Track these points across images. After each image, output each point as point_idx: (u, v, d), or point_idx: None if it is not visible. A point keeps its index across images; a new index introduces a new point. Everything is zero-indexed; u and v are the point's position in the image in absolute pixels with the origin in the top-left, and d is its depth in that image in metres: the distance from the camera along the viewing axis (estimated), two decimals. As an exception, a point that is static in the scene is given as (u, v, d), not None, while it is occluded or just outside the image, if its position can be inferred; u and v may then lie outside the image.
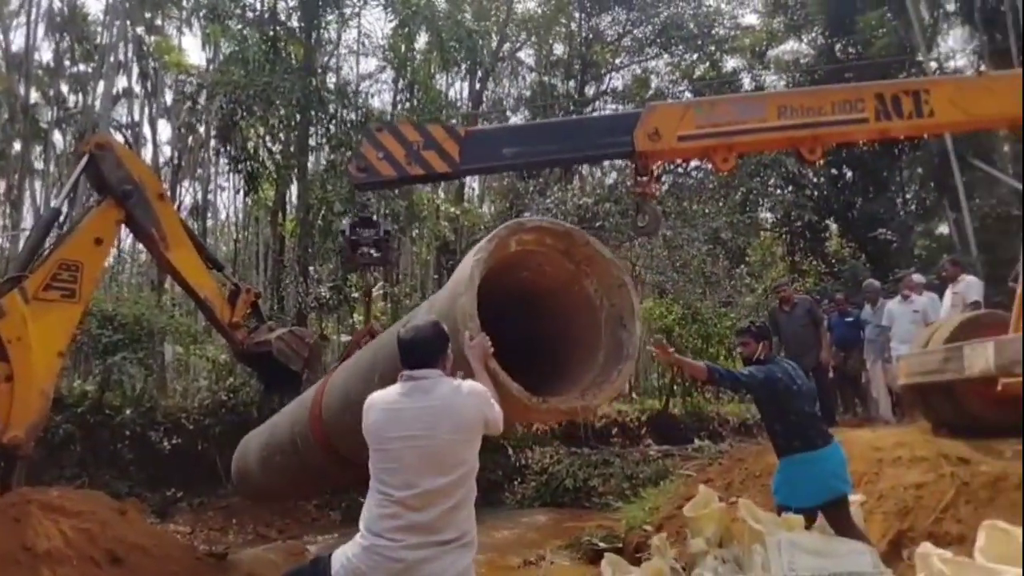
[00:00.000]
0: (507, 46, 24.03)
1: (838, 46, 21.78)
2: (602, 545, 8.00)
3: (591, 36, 24.06)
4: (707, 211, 17.70)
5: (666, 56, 24.42)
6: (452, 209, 18.00)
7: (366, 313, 6.49)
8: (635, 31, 23.70)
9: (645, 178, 5.86)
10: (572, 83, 25.22)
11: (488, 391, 2.90)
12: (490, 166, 6.63)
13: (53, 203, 7.49)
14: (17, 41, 26.97)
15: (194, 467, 12.63)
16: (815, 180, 19.13)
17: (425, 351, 2.79)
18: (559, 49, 25.73)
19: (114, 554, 5.83)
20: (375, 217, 6.28)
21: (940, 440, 5.96)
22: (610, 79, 25.80)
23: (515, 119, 27.58)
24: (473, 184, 25.14)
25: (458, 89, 27.11)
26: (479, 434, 2.80)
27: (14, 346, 6.43)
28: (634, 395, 31.41)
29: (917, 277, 9.33)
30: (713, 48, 23.86)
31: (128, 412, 12.40)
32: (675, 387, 27.50)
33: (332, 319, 19.60)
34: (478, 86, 23.44)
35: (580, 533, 9.36)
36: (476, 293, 3.62)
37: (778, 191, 19.66)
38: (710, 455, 15.04)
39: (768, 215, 22.35)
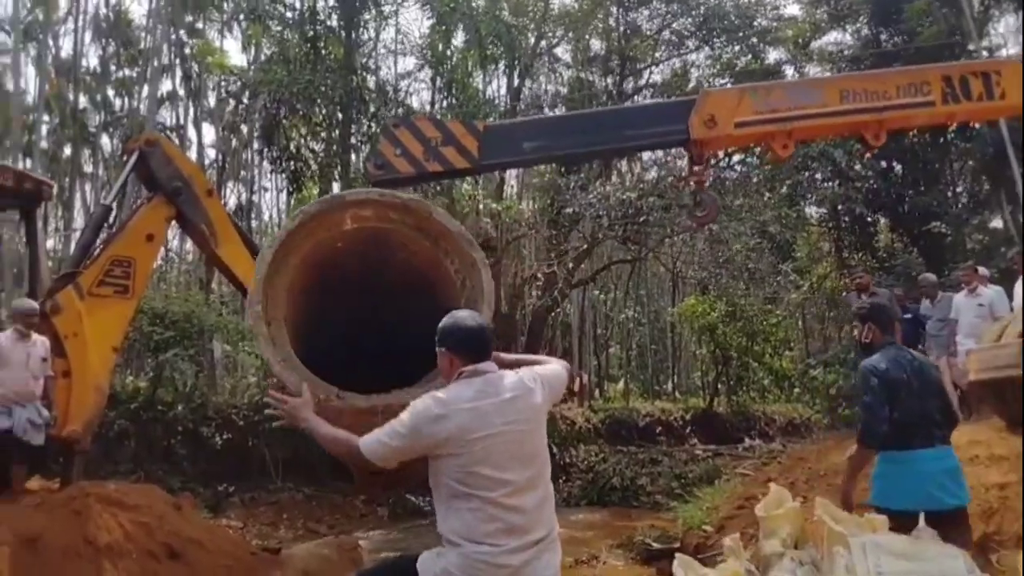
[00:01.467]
0: (543, 43, 23.85)
1: (883, 36, 21.16)
2: (656, 545, 7.84)
3: (629, 30, 23.76)
4: (752, 205, 17.31)
5: (706, 49, 24.00)
6: (493, 205, 17.91)
7: None
8: (674, 24, 23.32)
9: (701, 166, 5.69)
10: (610, 79, 24.94)
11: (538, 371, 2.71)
12: (510, 161, 6.51)
13: (104, 201, 7.56)
14: (66, 47, 27.58)
15: (245, 462, 12.77)
16: (864, 173, 18.58)
17: (488, 341, 2.62)
18: (596, 44, 25.49)
19: (171, 548, 5.86)
20: None
21: (1017, 438, 5.67)
22: (650, 73, 25.47)
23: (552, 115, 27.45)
24: (512, 181, 25.03)
25: (496, 86, 27.06)
26: (545, 420, 2.68)
27: (71, 342, 6.51)
28: (677, 394, 31.08)
29: (982, 270, 8.95)
30: (755, 40, 23.38)
31: (180, 408, 12.58)
32: (719, 386, 27.13)
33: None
34: (516, 83, 23.30)
35: (632, 532, 9.20)
36: (266, 270, 3.34)
37: (826, 184, 19.13)
38: (762, 454, 14.77)
39: (815, 209, 21.83)
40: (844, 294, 16.05)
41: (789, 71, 24.20)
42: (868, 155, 14.64)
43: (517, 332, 21.90)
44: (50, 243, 23.38)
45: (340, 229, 3.50)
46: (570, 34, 23.77)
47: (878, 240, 21.18)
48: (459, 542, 2.45)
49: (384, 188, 6.04)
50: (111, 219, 7.99)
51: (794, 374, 28.52)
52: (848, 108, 5.71)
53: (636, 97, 24.68)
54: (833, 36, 24.16)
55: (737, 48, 23.26)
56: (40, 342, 6.11)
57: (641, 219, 16.20)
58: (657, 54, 24.59)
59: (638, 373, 33.96)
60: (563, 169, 17.79)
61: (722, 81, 23.71)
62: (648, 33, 23.74)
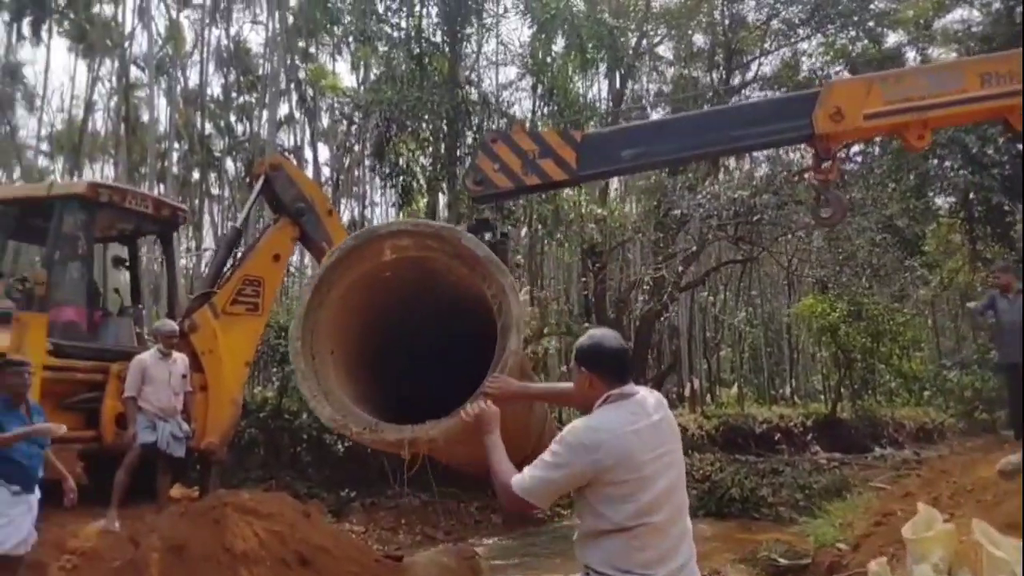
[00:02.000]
0: (645, 42, 23.50)
1: (1019, 10, 19.49)
2: (784, 561, 7.48)
3: (734, 23, 23.02)
4: (876, 197, 16.33)
5: (818, 36, 22.90)
6: (598, 210, 17.77)
7: None
8: (784, 12, 22.38)
9: (827, 163, 5.37)
10: (715, 74, 24.27)
11: None
12: (609, 170, 6.33)
13: (233, 224, 8.00)
14: (192, 78, 29.68)
15: (366, 468, 13.16)
16: (999, 159, 17.13)
17: (629, 362, 2.55)
18: (700, 40, 24.88)
19: (302, 555, 6.09)
20: (493, 220, 6.13)
21: None
22: (758, 66, 24.58)
23: (655, 115, 26.98)
24: (616, 184, 24.78)
25: (597, 90, 26.89)
26: None
27: (207, 358, 6.90)
28: (796, 398, 29.78)
29: None
30: (872, 23, 22.10)
31: (304, 416, 13.12)
32: (842, 389, 25.79)
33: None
34: (618, 85, 23.07)
35: (755, 547, 8.84)
36: (305, 308, 3.40)
37: (957, 172, 17.78)
38: (894, 464, 13.89)
39: (945, 200, 20.36)
40: (980, 289, 14.86)
41: (910, 54, 22.77)
42: (1004, 139, 13.50)
43: (624, 338, 21.62)
44: (182, 262, 25.04)
45: (381, 260, 3.52)
46: (673, 31, 23.29)
47: (1016, 231, 19.51)
48: (611, 573, 2.33)
49: (484, 203, 6.09)
50: (241, 241, 8.43)
51: (925, 376, 26.73)
52: (991, 93, 5.25)
53: (744, 91, 23.92)
54: (959, 13, 22.49)
55: (852, 33, 22.05)
56: (180, 360, 6.52)
57: (755, 218, 15.61)
58: (765, 45, 23.70)
59: (752, 377, 32.81)
60: (669, 170, 17.43)
61: (836, 69, 22.58)
62: (755, 24, 22.91)
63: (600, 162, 5.62)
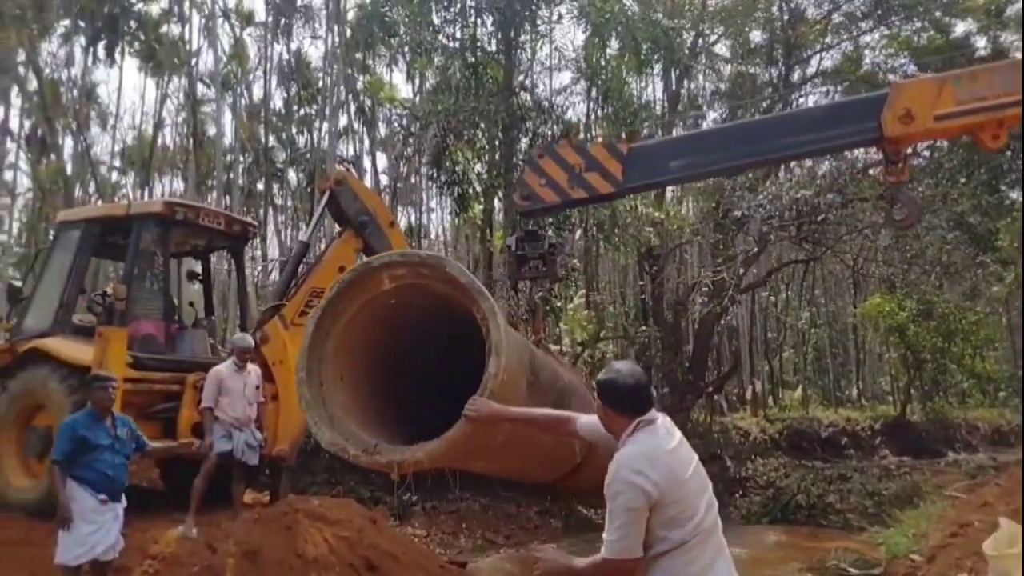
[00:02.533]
0: (701, 40, 23.18)
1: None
2: (854, 571, 7.33)
3: (793, 17, 22.50)
4: (946, 193, 15.75)
5: (882, 28, 22.19)
6: (655, 213, 17.61)
7: (534, 328, 6.48)
8: (844, 6, 21.77)
9: (898, 164, 5.24)
10: (774, 70, 23.77)
11: None
12: (656, 182, 6.30)
13: (301, 237, 8.26)
14: (255, 93, 30.64)
15: (427, 473, 13.35)
16: (1080, 149, 16.34)
17: (649, 393, 2.67)
18: (757, 36, 24.40)
19: (369, 561, 6.25)
20: (540, 231, 6.16)
21: None
22: (819, 60, 23.97)
23: (712, 114, 26.58)
24: (673, 186, 24.50)
25: (652, 91, 26.65)
26: None
27: (278, 368, 7.13)
28: (863, 401, 28.89)
29: None
30: (939, 13, 21.31)
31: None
32: (912, 391, 24.90)
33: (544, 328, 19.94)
34: (674, 85, 22.81)
35: (823, 555, 8.66)
36: (310, 340, 3.50)
37: (1035, 164, 17.03)
38: (968, 470, 13.38)
39: (1019, 194, 19.49)
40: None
41: (980, 43, 21.87)
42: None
43: (683, 341, 21.35)
44: (248, 272, 25.86)
45: (381, 289, 3.62)
46: (730, 28, 22.91)
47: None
48: None
49: (533, 217, 6.13)
50: (309, 253, 8.68)
51: (1000, 376, 25.66)
52: (1072, 89, 5.04)
53: (804, 87, 23.36)
54: (1034, -2, 21.50)
55: (918, 24, 21.31)
56: (254, 372, 6.77)
57: (819, 218, 15.24)
58: (826, 39, 23.09)
59: (816, 379, 31.98)
60: (727, 171, 17.16)
61: (901, 62, 21.87)
62: (815, 18, 22.36)
63: (647, 174, 5.62)
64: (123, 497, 4.89)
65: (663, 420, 2.59)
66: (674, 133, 22.37)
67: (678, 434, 2.57)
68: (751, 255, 19.11)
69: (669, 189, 23.14)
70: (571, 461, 4.50)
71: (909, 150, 5.36)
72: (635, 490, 2.36)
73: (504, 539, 11.94)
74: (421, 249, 25.57)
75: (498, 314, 3.17)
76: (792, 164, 23.11)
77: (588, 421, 2.89)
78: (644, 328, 19.02)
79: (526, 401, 3.61)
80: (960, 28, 22.74)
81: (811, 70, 23.80)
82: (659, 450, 2.45)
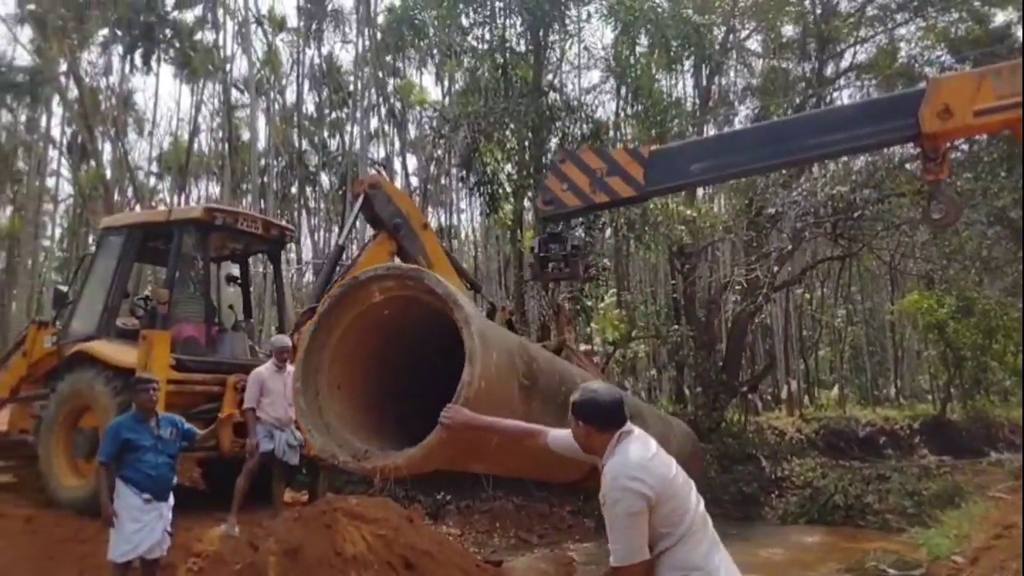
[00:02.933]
0: (732, 36, 22.97)
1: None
2: (894, 572, 7.23)
3: (826, 11, 22.18)
4: (985, 188, 15.40)
5: (918, 20, 21.75)
6: (687, 212, 17.49)
7: (558, 329, 6.50)
8: (879, -2, 21.41)
9: (936, 162, 5.17)
10: (807, 64, 23.45)
11: None
12: (678, 185, 6.33)
13: (337, 240, 8.37)
14: (288, 98, 31.10)
15: (459, 472, 13.46)
16: None
17: (624, 406, 2.82)
18: (790, 30, 24.09)
19: (407, 560, 6.32)
20: (566, 231, 6.20)
21: None
22: (853, 54, 23.58)
23: (744, 110, 26.32)
24: (704, 183, 24.31)
25: (683, 87, 26.49)
26: None
27: (315, 370, 7.23)
28: (901, 399, 28.36)
29: None
30: (978, 2, 20.82)
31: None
32: (952, 389, 24.39)
33: (571, 329, 19.98)
34: (705, 81, 22.64)
35: (861, 556, 8.56)
36: (305, 353, 3.63)
37: (1081, 156, 16.55)
38: (1011, 470, 13.10)
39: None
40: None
41: (1021, 34, 21.31)
42: None
43: (716, 340, 21.18)
44: (286, 273, 26.26)
45: (372, 302, 3.72)
46: (761, 23, 22.66)
47: None
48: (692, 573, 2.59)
49: (555, 221, 6.16)
50: (344, 256, 8.80)
51: (1045, 374, 24.98)
52: (1116, 81, 4.93)
53: (838, 81, 23.02)
54: (1078, -15, 20.91)
55: (956, 15, 20.84)
56: (292, 372, 6.87)
57: (856, 214, 15.01)
58: (860, 32, 22.72)
59: (853, 377, 31.47)
60: (760, 168, 16.98)
61: (937, 54, 21.42)
62: (849, 11, 22.01)
63: (668, 177, 5.65)
64: (171, 496, 5.03)
65: (638, 430, 2.76)
66: (705, 130, 22.24)
67: (653, 440, 2.75)
68: (785, 253, 18.88)
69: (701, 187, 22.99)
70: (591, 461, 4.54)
71: (948, 146, 5.27)
72: (634, 495, 2.49)
73: (538, 538, 11.98)
74: (451, 249, 25.74)
75: (472, 323, 3.24)
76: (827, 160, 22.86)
77: (560, 436, 2.97)
78: (676, 327, 18.89)
79: (521, 405, 3.72)
80: (1000, 18, 22.19)
81: (845, 64, 23.44)
82: (646, 456, 2.62)
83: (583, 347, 19.60)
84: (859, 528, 11.70)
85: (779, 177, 16.27)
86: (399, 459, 3.27)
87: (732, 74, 27.09)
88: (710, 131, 23.13)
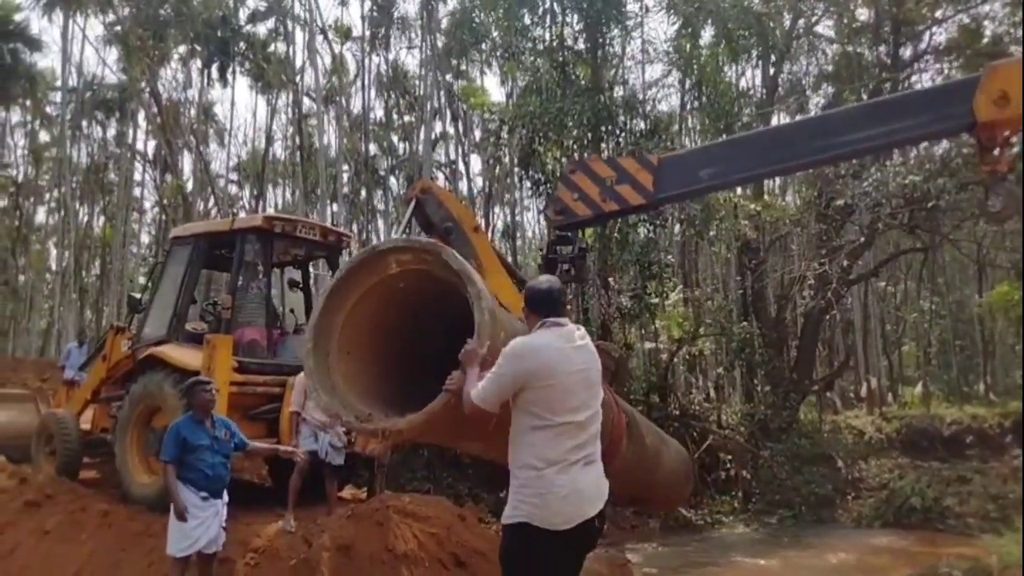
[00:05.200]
0: (801, 22, 22.24)
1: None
2: (964, 581, 6.88)
3: (902, -8, 21.19)
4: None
5: (1004, -5, 20.52)
6: (752, 205, 17.06)
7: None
8: (960, -26, 20.32)
9: (997, 152, 4.90)
10: (883, 48, 22.47)
11: None
12: (687, 191, 6.19)
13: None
14: (356, 105, 31.89)
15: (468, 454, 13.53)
16: None
17: (558, 299, 3.23)
18: (863, 14, 23.15)
19: (458, 558, 6.43)
20: (572, 234, 6.17)
21: None
22: (932, 35, 22.45)
23: (816, 98, 25.43)
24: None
25: (750, 77, 25.83)
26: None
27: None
28: (991, 396, 26.82)
29: None
30: (1071, -27, 19.48)
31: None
32: (1049, 386, 22.93)
33: (634, 327, 19.79)
34: (772, 70, 22.00)
35: (935, 562, 8.20)
36: (317, 317, 3.72)
37: None
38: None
39: None
40: None
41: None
42: None
43: (787, 336, 20.57)
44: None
45: (388, 273, 3.79)
46: (831, 7, 21.86)
47: None
48: (536, 464, 2.98)
49: (566, 231, 6.14)
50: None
51: None
52: None
53: (916, 65, 21.96)
54: None
55: (1046, -13, 19.56)
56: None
57: (931, 204, 14.34)
58: (938, 13, 21.62)
59: (940, 374, 29.97)
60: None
61: (1027, 30, 20.13)
62: (926, -9, 20.97)
63: (678, 184, 5.59)
64: (225, 494, 5.28)
65: (571, 328, 3.15)
66: (773, 120, 21.60)
67: (581, 342, 3.13)
68: (858, 246, 18.19)
69: (768, 180, 22.32)
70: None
71: (1007, 135, 4.98)
72: (509, 367, 2.99)
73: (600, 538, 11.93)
74: (515, 248, 25.86)
75: (483, 300, 3.33)
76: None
77: (473, 390, 3.09)
78: (745, 324, 18.45)
79: None
80: (1096, -11, 20.71)
81: (923, 46, 22.34)
82: (547, 346, 3.05)
83: (648, 345, 19.43)
84: (938, 532, 11.22)
85: (849, 168, 15.69)
86: (400, 423, 3.38)
87: (803, 60, 26.25)
88: (784, 120, 22.49)
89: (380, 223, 32.21)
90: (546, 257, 6.18)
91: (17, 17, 29.00)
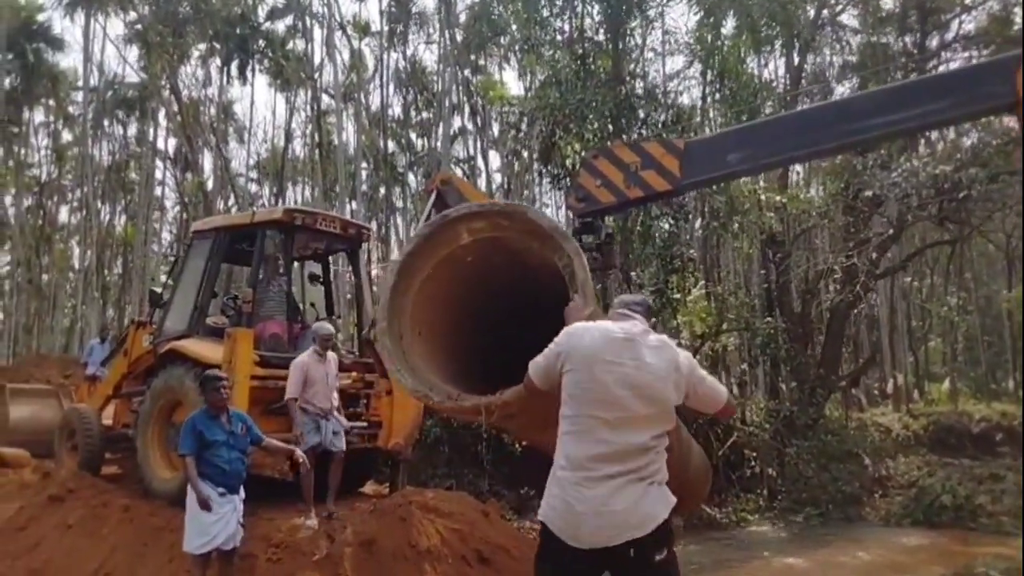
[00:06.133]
0: (825, 12, 21.89)
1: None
2: (1004, 580, 6.66)
3: (929, -20, 20.77)
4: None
5: (1035, -19, 20.03)
6: (777, 198, 16.77)
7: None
8: (988, -39, 19.90)
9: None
10: (908, 37, 22.06)
11: None
12: (715, 176, 5.98)
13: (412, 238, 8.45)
14: (374, 102, 31.89)
15: (544, 468, 13.40)
16: None
17: (644, 307, 3.07)
18: (889, 2, 22.76)
19: (481, 554, 6.32)
20: (596, 221, 5.98)
21: None
22: (959, 23, 22.00)
23: (840, 88, 25.04)
24: (797, 168, 23.29)
25: (773, 68, 25.49)
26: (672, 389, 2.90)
27: (392, 364, 7.33)
28: (1021, 393, 26.28)
29: None
30: (1105, -43, 19.00)
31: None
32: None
33: (656, 322, 19.56)
34: (796, 60, 21.67)
35: (970, 561, 7.97)
36: (390, 294, 3.59)
37: None
38: None
39: None
40: None
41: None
42: None
43: (813, 331, 20.24)
44: (374, 272, 26.94)
45: (459, 243, 3.64)
46: (857, -3, 21.52)
47: None
48: (563, 464, 2.78)
49: (590, 218, 5.97)
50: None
51: None
52: None
53: (943, 54, 21.54)
54: None
55: (1080, -28, 19.11)
56: (333, 360, 6.91)
57: (961, 195, 14.00)
58: (966, 0, 21.19)
59: (968, 370, 29.43)
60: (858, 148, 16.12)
61: (1059, 15, 19.64)
62: (954, -22, 20.58)
63: (705, 169, 5.38)
64: (242, 490, 5.20)
65: (636, 325, 2.92)
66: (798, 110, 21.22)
67: (641, 340, 2.85)
68: (887, 238, 17.84)
69: (794, 170, 22.01)
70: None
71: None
72: (557, 342, 2.90)
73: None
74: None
75: (582, 255, 3.26)
76: (935, 137, 21.45)
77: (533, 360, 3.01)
78: (769, 319, 18.17)
79: None
80: None
81: (950, 35, 21.92)
82: (598, 328, 2.88)
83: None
84: (970, 531, 10.95)
85: (877, 158, 15.38)
86: (505, 395, 3.19)
87: (827, 51, 25.87)
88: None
89: (399, 220, 32.22)
90: None
91: (40, 17, 29.34)
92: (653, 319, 3.23)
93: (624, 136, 15.73)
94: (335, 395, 6.78)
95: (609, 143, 16.26)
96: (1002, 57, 5.00)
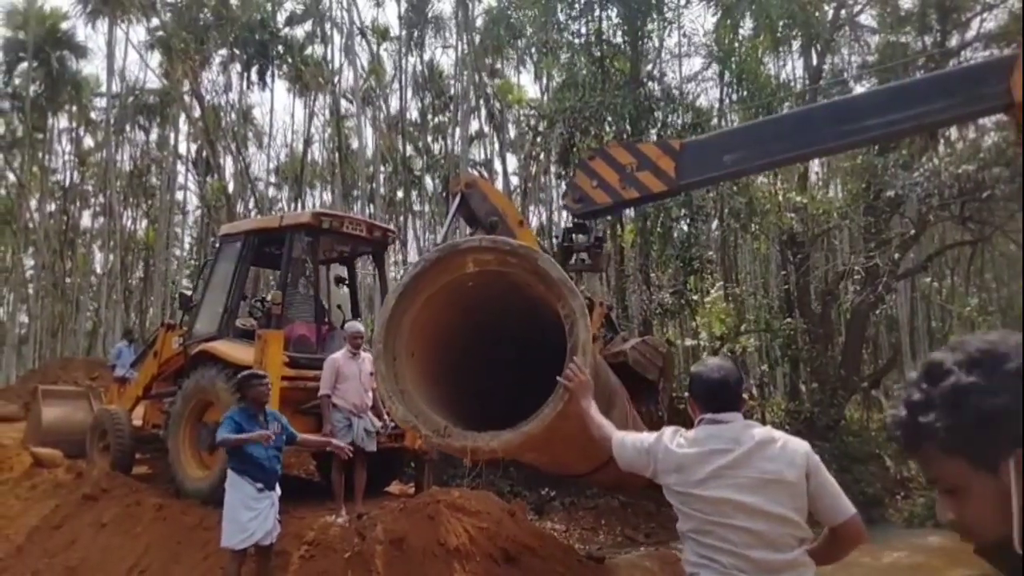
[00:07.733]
0: (844, 12, 21.77)
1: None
2: (1033, 582, 6.60)
3: (949, -21, 20.59)
4: None
5: (1059, -22, 19.82)
6: (797, 198, 16.72)
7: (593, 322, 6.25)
8: (1009, -41, 19.68)
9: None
10: (928, 38, 21.89)
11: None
12: (711, 177, 6.00)
13: (436, 240, 8.55)
14: (392, 105, 32.09)
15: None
16: None
17: (729, 392, 2.66)
18: (908, 2, 22.58)
19: (508, 553, 6.37)
20: (588, 223, 6.00)
21: None
22: (981, 22, 21.80)
23: (859, 89, 24.88)
24: (816, 167, 23.18)
25: (791, 69, 25.39)
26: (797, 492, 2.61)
27: (416, 365, 7.42)
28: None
29: None
30: None
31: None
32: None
33: (675, 324, 19.56)
34: (815, 61, 21.57)
35: (996, 563, 7.88)
36: (389, 314, 3.54)
37: None
38: None
39: None
40: None
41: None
42: None
43: (833, 332, 20.12)
44: (391, 274, 27.10)
45: (464, 272, 3.63)
46: (875, -4, 21.37)
47: None
48: (693, 559, 2.60)
49: (585, 219, 5.99)
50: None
51: None
52: None
53: (964, 53, 21.35)
54: None
55: (1103, -31, 18.87)
56: (367, 358, 6.98)
57: (984, 195, 13.91)
58: (988, -1, 20.98)
59: (990, 372, 28.98)
60: (879, 147, 16.02)
61: (1083, 13, 19.41)
62: (974, -23, 20.39)
63: (701, 170, 5.43)
64: (277, 487, 5.30)
65: (734, 426, 2.59)
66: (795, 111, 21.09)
67: (742, 448, 2.52)
68: (908, 238, 17.73)
69: (813, 170, 21.90)
70: (608, 452, 4.46)
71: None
72: (648, 442, 2.69)
73: (644, 536, 11.80)
74: (551, 247, 25.75)
75: (587, 316, 3.19)
76: (954, 136, 21.29)
77: (623, 438, 2.89)
78: (788, 320, 18.11)
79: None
80: None
81: (971, 35, 21.71)
82: (688, 447, 2.59)
83: (688, 342, 19.17)
84: (995, 533, 10.83)
85: (899, 157, 15.30)
86: (493, 443, 3.18)
87: (846, 52, 25.72)
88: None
89: (416, 223, 32.37)
90: (561, 246, 6.07)
91: (64, 25, 29.81)
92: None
93: (643, 138, 15.77)
94: (369, 394, 6.84)
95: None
96: (999, 58, 5.01)
